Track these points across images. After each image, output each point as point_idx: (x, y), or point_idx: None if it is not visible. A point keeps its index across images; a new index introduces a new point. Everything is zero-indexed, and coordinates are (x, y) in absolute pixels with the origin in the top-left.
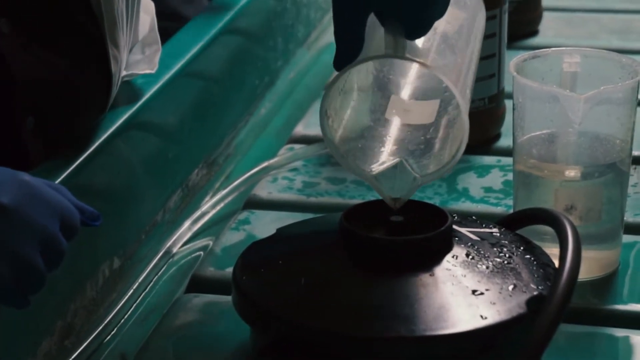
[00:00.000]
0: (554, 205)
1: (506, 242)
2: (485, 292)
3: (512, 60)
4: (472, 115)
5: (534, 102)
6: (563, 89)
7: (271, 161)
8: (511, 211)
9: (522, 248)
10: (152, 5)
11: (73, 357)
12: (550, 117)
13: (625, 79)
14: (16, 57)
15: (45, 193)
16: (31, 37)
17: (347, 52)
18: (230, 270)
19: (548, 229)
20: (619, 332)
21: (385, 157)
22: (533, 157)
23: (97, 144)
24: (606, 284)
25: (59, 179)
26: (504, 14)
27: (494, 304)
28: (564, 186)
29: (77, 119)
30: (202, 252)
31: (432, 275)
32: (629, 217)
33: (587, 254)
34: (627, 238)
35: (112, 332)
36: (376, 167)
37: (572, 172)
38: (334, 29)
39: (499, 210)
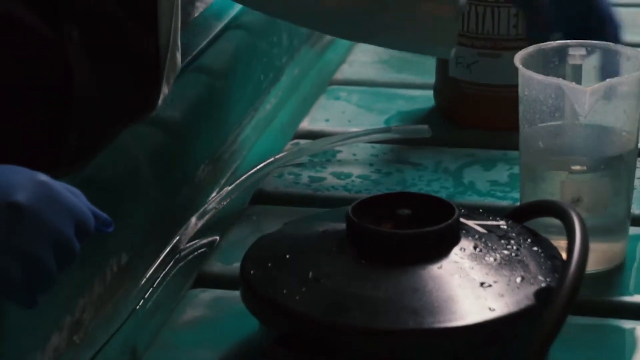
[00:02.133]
0: (560, 198)
1: (513, 234)
2: (493, 284)
3: (518, 53)
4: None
5: (540, 95)
6: (569, 82)
7: (277, 156)
8: (518, 204)
9: (529, 240)
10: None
11: (82, 352)
12: (556, 109)
13: (631, 71)
14: (80, 70)
15: (62, 195)
16: (94, 53)
17: None
18: (237, 265)
19: (554, 221)
20: (627, 324)
21: None
22: (539, 149)
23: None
24: (613, 276)
25: (67, 175)
26: None
27: (502, 296)
28: (570, 179)
29: (109, 137)
30: (209, 248)
31: (439, 267)
32: (635, 210)
33: (593, 246)
34: (634, 230)
35: (121, 328)
36: None
37: (578, 165)
38: None
39: (505, 203)
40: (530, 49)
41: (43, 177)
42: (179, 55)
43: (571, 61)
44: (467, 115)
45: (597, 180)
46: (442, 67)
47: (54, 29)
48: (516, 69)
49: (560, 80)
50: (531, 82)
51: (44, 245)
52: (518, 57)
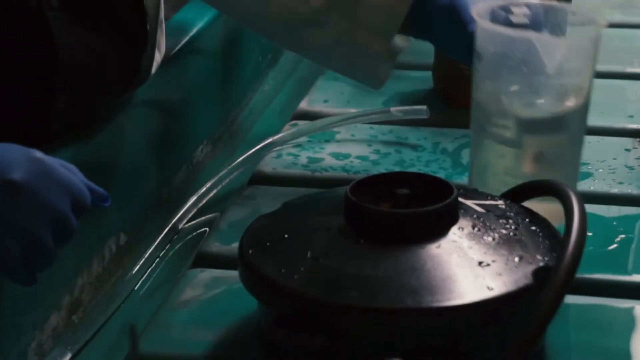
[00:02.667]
0: (522, 154)
1: (511, 214)
2: (492, 264)
3: (473, 9)
4: None
5: (506, 49)
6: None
7: (275, 137)
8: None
9: (527, 220)
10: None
11: (81, 332)
12: (523, 64)
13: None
14: (61, 34)
15: (57, 171)
16: (76, 17)
17: None
18: (235, 245)
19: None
20: (625, 304)
21: None
22: (500, 106)
23: (102, 121)
24: (612, 256)
25: (65, 156)
26: None
27: (501, 275)
28: (531, 136)
29: (100, 102)
30: (207, 228)
31: (438, 247)
32: (633, 190)
33: (549, 205)
34: (633, 210)
35: (119, 308)
36: None
37: (537, 121)
38: None
39: None
40: (481, 5)
41: (38, 153)
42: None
43: (515, 20)
44: (467, 96)
45: (559, 136)
46: None
47: None
48: None
49: (532, 34)
50: (497, 37)
51: (41, 222)
52: (476, 13)
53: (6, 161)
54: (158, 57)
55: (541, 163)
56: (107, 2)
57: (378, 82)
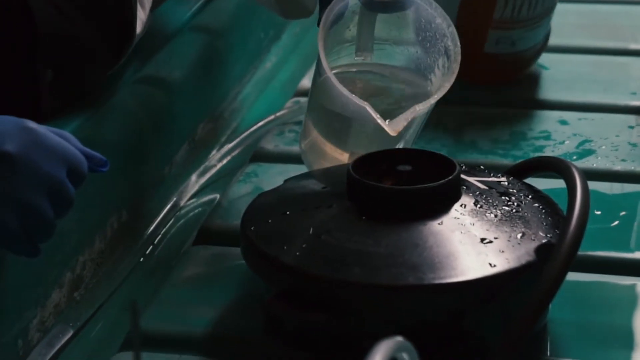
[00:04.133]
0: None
1: (514, 190)
2: (494, 241)
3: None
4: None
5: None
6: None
7: (278, 114)
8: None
9: (530, 197)
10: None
11: (82, 309)
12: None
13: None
14: (41, 8)
15: (50, 140)
16: None
17: None
18: (238, 222)
19: None
20: (626, 280)
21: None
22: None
23: (104, 99)
24: (614, 233)
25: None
26: None
27: (503, 252)
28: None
29: (90, 74)
30: (209, 205)
31: (440, 224)
32: (636, 167)
33: None
34: (634, 187)
35: (121, 284)
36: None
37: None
38: None
39: (506, 161)
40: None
41: (30, 123)
42: None
43: None
44: (503, 78)
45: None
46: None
47: None
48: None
49: (367, 107)
50: (340, 96)
51: (37, 192)
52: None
53: None
54: (142, 15)
55: None
56: None
57: (304, 9)
